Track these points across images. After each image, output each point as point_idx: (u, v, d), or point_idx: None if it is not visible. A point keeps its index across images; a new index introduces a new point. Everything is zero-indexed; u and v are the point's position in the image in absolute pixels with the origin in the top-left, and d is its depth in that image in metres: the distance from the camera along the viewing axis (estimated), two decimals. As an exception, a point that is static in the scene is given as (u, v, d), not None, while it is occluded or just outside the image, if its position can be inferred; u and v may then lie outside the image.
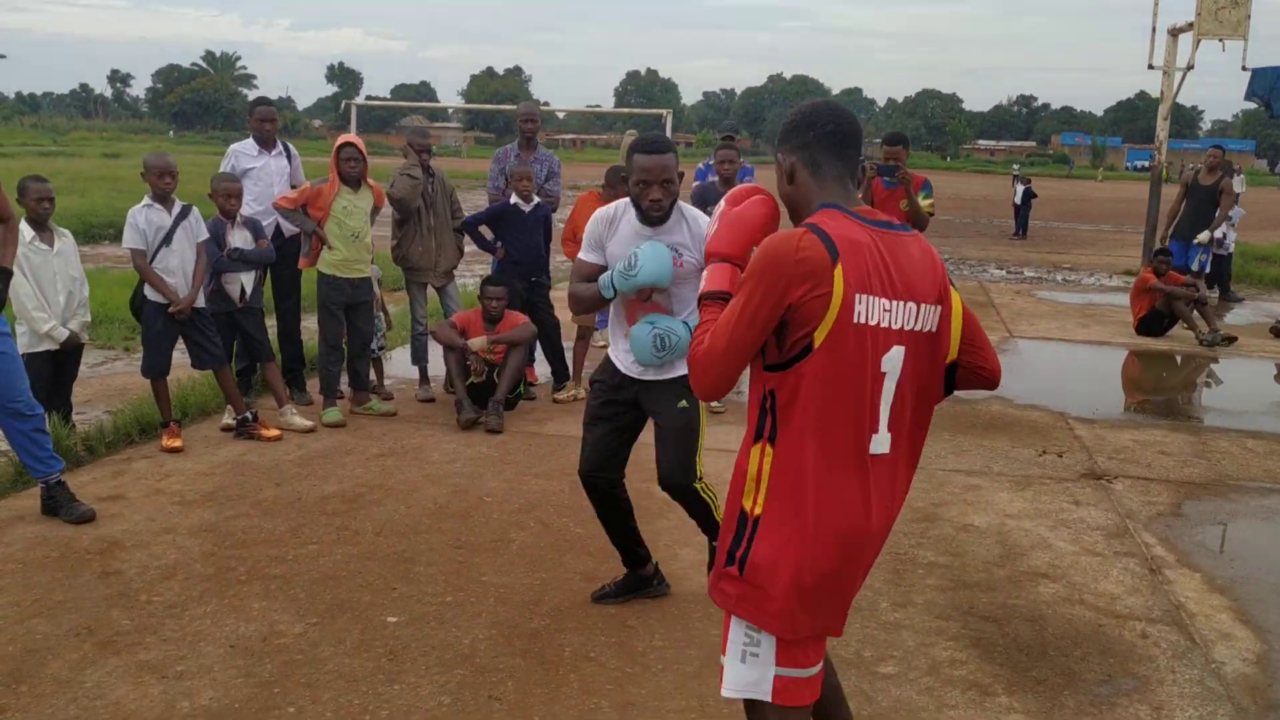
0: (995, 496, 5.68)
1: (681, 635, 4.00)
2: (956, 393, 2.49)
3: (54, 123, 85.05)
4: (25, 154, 40.24)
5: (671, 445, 3.96)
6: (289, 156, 7.17)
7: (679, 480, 3.98)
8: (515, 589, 4.36)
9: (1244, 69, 13.98)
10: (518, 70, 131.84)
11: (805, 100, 2.53)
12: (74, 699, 3.43)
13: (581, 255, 4.01)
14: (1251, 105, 15.07)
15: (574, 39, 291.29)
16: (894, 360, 2.22)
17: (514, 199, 7.27)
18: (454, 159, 59.12)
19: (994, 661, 3.87)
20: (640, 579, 4.33)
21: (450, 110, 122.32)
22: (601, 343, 8.87)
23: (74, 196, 19.57)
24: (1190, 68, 14.27)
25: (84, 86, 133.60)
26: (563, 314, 7.88)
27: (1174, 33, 14.83)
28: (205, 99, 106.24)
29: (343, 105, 26.36)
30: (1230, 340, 10.59)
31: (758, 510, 2.24)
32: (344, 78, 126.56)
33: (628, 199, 3.89)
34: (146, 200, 5.96)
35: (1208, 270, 12.68)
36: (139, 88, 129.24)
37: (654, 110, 36.80)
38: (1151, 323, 10.97)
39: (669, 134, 18.40)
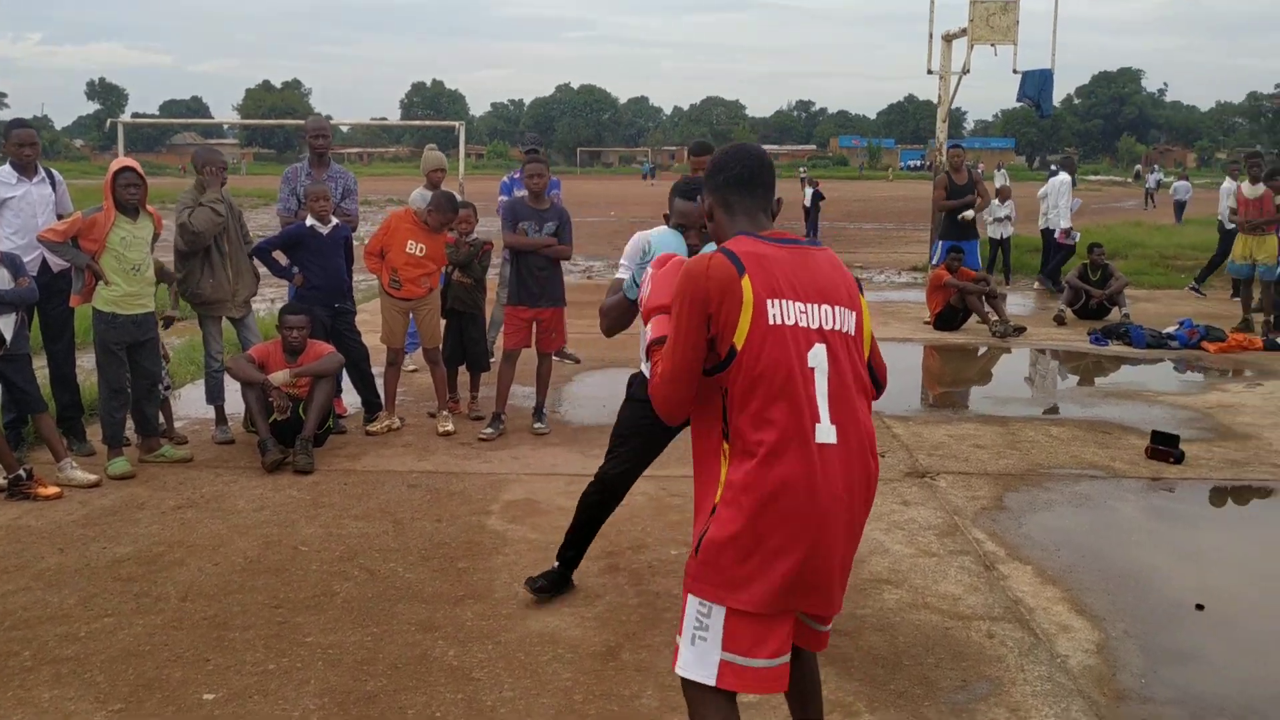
0: (828, 502, 5.66)
1: (531, 683, 3.74)
2: None
3: None
4: None
5: None
6: (53, 183, 6.49)
7: None
8: (345, 648, 4.00)
9: (1015, 72, 14.81)
10: (296, 83, 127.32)
11: (725, 145, 2.84)
12: None
13: (620, 274, 4.13)
14: (1014, 105, 16.02)
15: (354, 51, 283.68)
16: (819, 357, 2.50)
17: (310, 221, 6.81)
18: (234, 177, 56.26)
19: (853, 678, 3.79)
20: (569, 581, 4.51)
21: (226, 126, 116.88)
22: (413, 367, 8.49)
23: None
24: (966, 71, 14.99)
25: None
26: (370, 339, 7.50)
27: (948, 39, 15.57)
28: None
29: (108, 123, 24.57)
30: (1020, 330, 11.14)
31: (718, 499, 2.52)
32: (106, 94, 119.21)
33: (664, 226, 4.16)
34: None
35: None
36: None
37: (446, 123, 36.19)
38: (947, 317, 11.42)
39: (462, 146, 17.98)
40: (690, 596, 2.54)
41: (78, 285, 6.04)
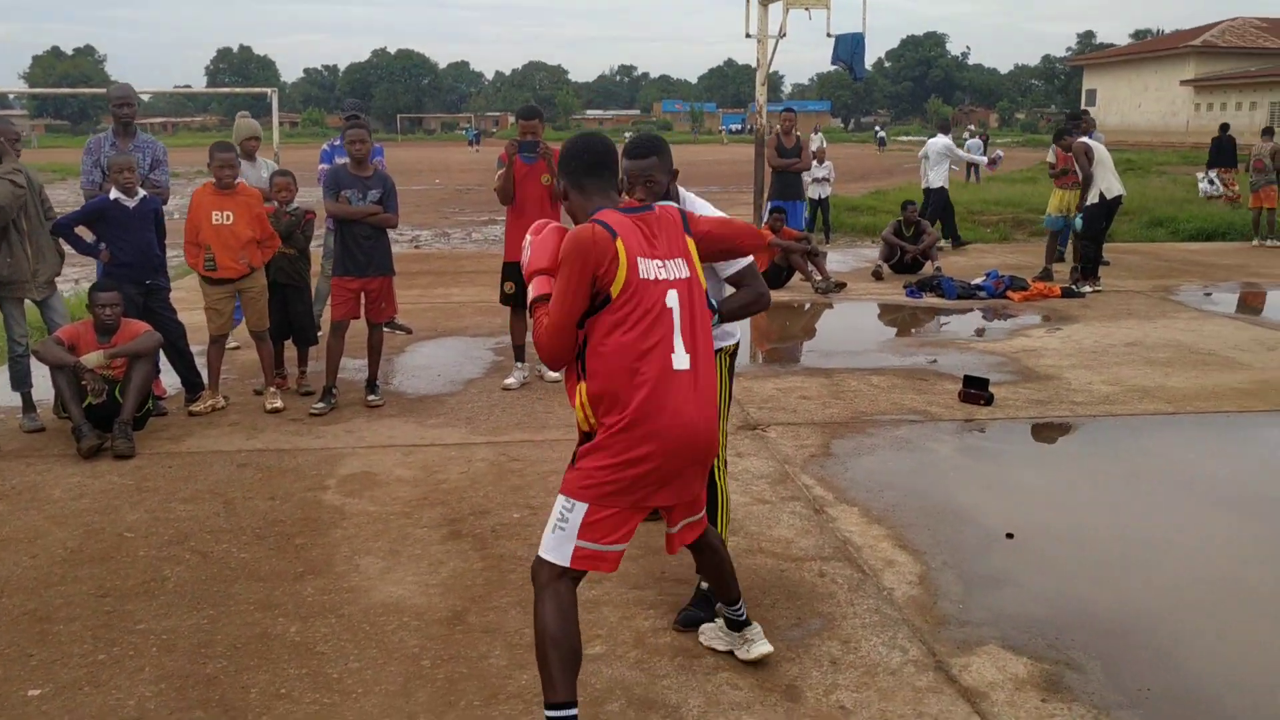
0: (665, 458, 5.80)
1: (378, 653, 3.73)
2: None
3: None
4: None
5: None
6: None
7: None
8: (180, 633, 3.88)
9: (829, 35, 15.23)
10: (90, 50, 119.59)
11: (571, 139, 3.38)
12: None
13: None
14: (830, 69, 16.53)
15: (152, 14, 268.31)
16: (672, 300, 3.07)
17: (114, 194, 6.47)
18: (25, 151, 52.48)
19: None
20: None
21: (12, 96, 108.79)
22: (235, 344, 8.20)
23: None
24: (783, 35, 15.33)
25: None
26: (187, 317, 7.21)
27: (765, 2, 15.87)
28: None
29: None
30: (841, 286, 11.58)
31: (592, 423, 3.05)
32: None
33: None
34: None
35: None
36: None
37: (255, 90, 34.70)
38: (771, 276, 11.74)
39: (275, 113, 17.32)
40: (559, 497, 3.07)
41: None
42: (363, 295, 6.85)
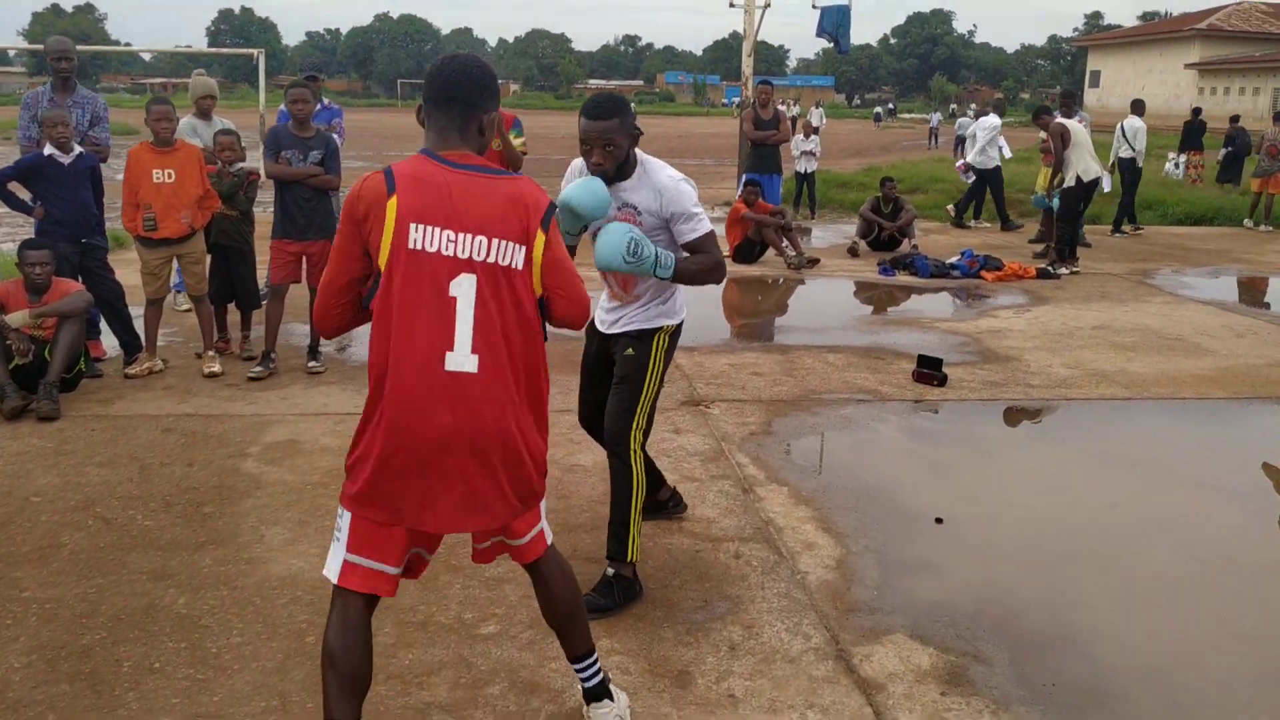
0: (601, 433, 5.67)
1: (263, 628, 3.61)
2: (565, 332, 2.81)
3: None
4: None
5: (613, 393, 3.87)
6: None
7: (610, 425, 3.84)
8: (64, 602, 3.76)
9: (814, 7, 15.03)
10: (90, 8, 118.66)
11: (441, 56, 2.72)
12: None
13: None
14: (827, 43, 16.28)
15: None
16: (463, 286, 2.48)
17: (48, 149, 6.30)
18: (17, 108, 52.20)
19: (595, 605, 3.79)
20: (657, 504, 4.42)
21: (12, 53, 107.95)
22: (186, 306, 8.06)
23: None
24: (768, 5, 15.11)
25: None
26: (127, 279, 7.06)
27: (750, -29, 15.63)
28: None
29: None
30: (815, 262, 11.42)
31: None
32: None
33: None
34: None
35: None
36: None
37: (243, 50, 34.38)
38: (744, 250, 11.59)
39: (262, 76, 17.13)
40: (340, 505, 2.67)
41: None
42: (304, 259, 6.70)
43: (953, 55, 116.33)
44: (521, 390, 2.61)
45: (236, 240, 6.98)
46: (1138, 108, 14.81)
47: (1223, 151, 20.58)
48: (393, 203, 2.46)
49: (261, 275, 7.60)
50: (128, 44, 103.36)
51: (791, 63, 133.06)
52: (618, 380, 3.88)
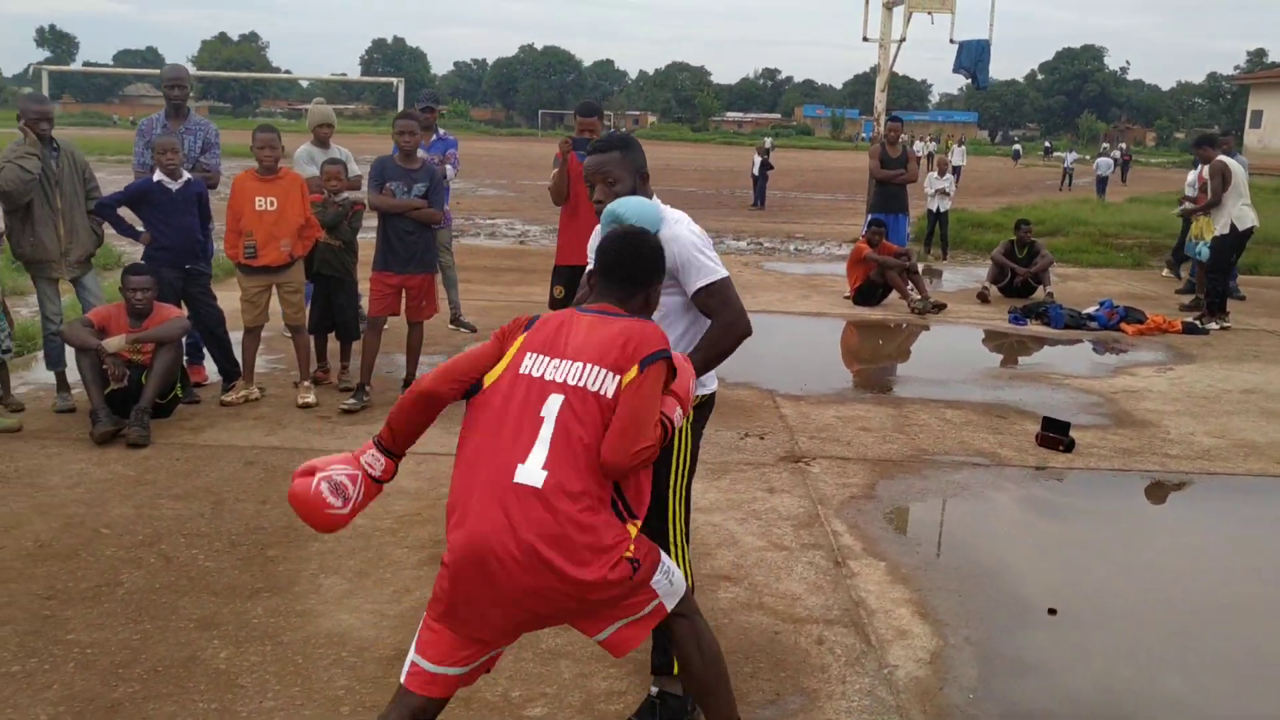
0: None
1: (299, 691, 3.39)
2: None
3: None
4: None
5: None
6: None
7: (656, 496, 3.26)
8: (106, 648, 3.62)
9: (951, 42, 14.49)
10: (254, 36, 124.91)
11: (616, 231, 2.90)
12: None
13: None
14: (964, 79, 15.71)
15: (315, 4, 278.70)
16: (552, 407, 2.56)
17: (157, 175, 6.34)
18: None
19: (656, 690, 3.46)
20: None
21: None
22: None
23: None
24: (903, 40, 14.64)
25: None
26: (227, 304, 7.06)
27: (888, 6, 15.20)
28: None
29: (28, 69, 23.71)
30: (940, 307, 10.87)
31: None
32: (56, 41, 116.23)
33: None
34: None
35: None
36: None
37: (383, 79, 35.53)
38: (866, 292, 11.13)
39: (401, 104, 17.47)
40: None
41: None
42: (403, 292, 6.58)
43: (1103, 92, 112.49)
44: (588, 507, 2.52)
45: (338, 270, 6.92)
46: None
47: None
48: (522, 338, 2.71)
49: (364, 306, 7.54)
50: (287, 71, 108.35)
51: (934, 97, 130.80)
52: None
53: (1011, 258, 12.02)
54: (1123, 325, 10.19)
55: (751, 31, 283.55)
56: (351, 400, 6.51)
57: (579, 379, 2.58)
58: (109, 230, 6.64)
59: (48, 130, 6.06)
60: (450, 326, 8.98)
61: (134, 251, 7.08)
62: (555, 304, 7.05)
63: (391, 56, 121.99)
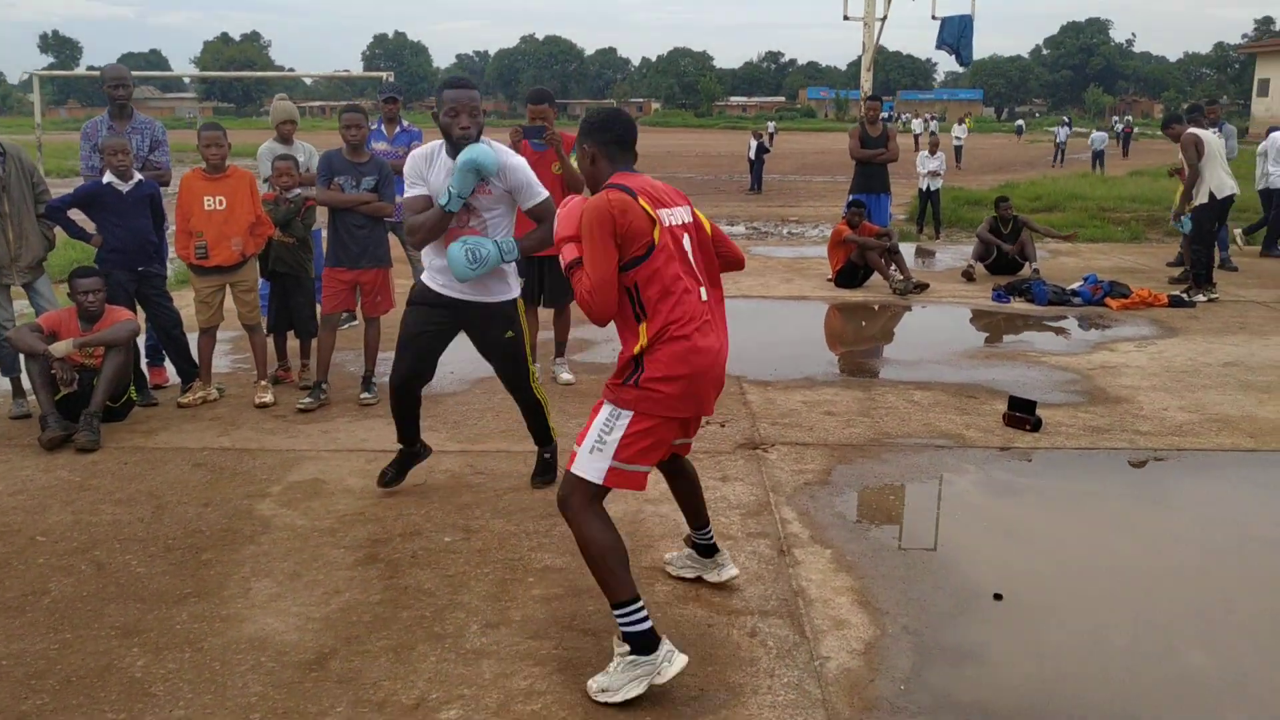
0: (643, 479, 5.25)
1: (212, 698, 3.32)
2: None
3: None
4: None
5: (510, 365, 4.87)
6: None
7: (520, 386, 4.93)
8: (23, 658, 3.56)
9: (933, 18, 14.32)
10: (255, 35, 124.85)
11: (598, 108, 3.89)
12: None
13: (408, 193, 4.62)
14: (983, 56, 15.53)
15: (316, 2, 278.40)
16: (686, 243, 3.50)
17: (107, 177, 6.27)
18: (188, 131, 55.04)
19: (576, 689, 3.37)
20: (413, 454, 5.07)
21: (187, 80, 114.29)
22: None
23: None
24: (884, 18, 14.47)
25: None
26: (183, 307, 6.99)
27: (868, -17, 15.02)
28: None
29: (21, 74, 23.67)
30: (923, 287, 10.74)
31: (645, 353, 3.35)
32: (60, 47, 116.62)
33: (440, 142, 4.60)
34: None
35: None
36: None
37: (374, 74, 35.50)
38: (848, 274, 11.01)
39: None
40: (602, 415, 3.40)
41: None
42: (357, 288, 6.51)
43: (1109, 65, 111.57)
44: (722, 307, 3.62)
45: (294, 267, 6.83)
46: None
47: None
48: (643, 200, 3.38)
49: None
50: (290, 69, 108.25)
51: (939, 75, 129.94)
52: (509, 355, 4.82)
53: (996, 235, 11.87)
54: (1107, 300, 10.05)
55: (754, 15, 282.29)
56: (308, 399, 6.45)
57: (683, 219, 3.53)
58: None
59: None
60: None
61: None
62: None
63: (393, 51, 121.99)
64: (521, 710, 3.27)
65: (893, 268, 10.88)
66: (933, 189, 16.27)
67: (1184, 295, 10.18)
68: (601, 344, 8.31)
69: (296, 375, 7.06)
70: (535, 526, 4.66)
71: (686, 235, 3.49)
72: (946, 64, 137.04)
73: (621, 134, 3.58)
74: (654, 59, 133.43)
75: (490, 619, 3.84)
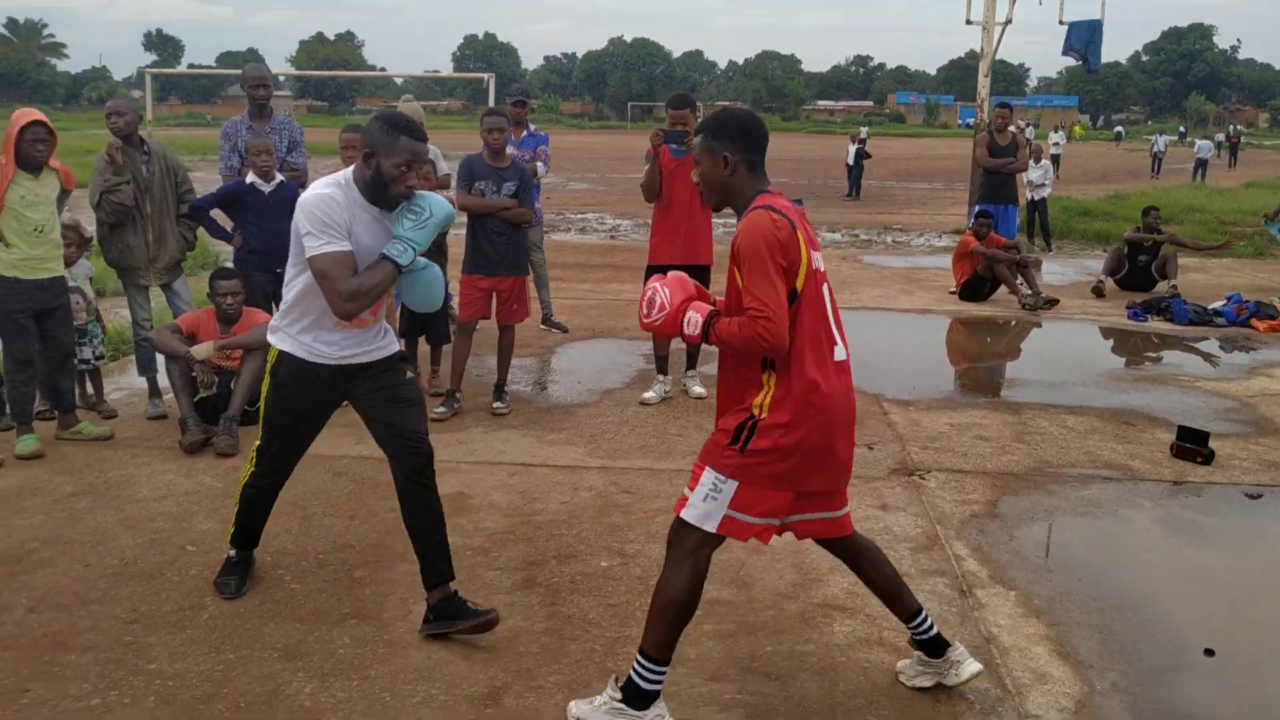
0: (796, 504, 5.00)
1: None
2: None
3: None
4: None
5: (415, 414, 3.82)
6: None
7: (429, 449, 3.79)
8: (188, 679, 3.44)
9: (1061, 23, 13.85)
10: (350, 35, 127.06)
11: (733, 108, 3.38)
12: None
13: (326, 249, 3.62)
14: (1073, 61, 15.01)
15: (409, 2, 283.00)
16: (825, 291, 3.11)
17: (250, 178, 6.22)
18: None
19: (770, 741, 3.15)
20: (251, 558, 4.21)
21: (282, 78, 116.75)
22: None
23: None
24: (1008, 22, 14.02)
25: None
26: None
27: (991, -13, 14.57)
28: (6, 69, 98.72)
29: (135, 71, 24.23)
30: (1053, 303, 10.33)
31: (763, 415, 3.01)
32: (163, 45, 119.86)
33: (338, 178, 3.73)
34: None
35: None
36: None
37: (473, 75, 35.61)
38: (974, 287, 10.62)
39: (490, 99, 17.34)
40: (708, 470, 3.06)
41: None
42: (494, 295, 6.37)
43: (1213, 72, 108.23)
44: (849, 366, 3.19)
45: (427, 272, 6.71)
46: None
47: None
48: (800, 235, 3.00)
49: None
50: (382, 69, 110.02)
51: (1032, 81, 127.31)
52: (415, 399, 3.85)
53: (1138, 248, 11.33)
54: (1253, 321, 9.53)
55: (842, 19, 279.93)
56: (441, 408, 6.32)
57: (824, 265, 3.14)
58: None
59: (133, 126, 5.97)
60: (541, 327, 8.76)
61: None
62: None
63: (483, 52, 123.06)
64: (704, 762, 3.05)
65: (1020, 281, 10.47)
66: (1038, 199, 15.72)
67: (1335, 317, 9.61)
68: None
69: (426, 381, 6.95)
70: (693, 553, 4.44)
71: (826, 284, 3.10)
72: (1040, 70, 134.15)
73: (763, 142, 3.17)
74: (741, 62, 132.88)
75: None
